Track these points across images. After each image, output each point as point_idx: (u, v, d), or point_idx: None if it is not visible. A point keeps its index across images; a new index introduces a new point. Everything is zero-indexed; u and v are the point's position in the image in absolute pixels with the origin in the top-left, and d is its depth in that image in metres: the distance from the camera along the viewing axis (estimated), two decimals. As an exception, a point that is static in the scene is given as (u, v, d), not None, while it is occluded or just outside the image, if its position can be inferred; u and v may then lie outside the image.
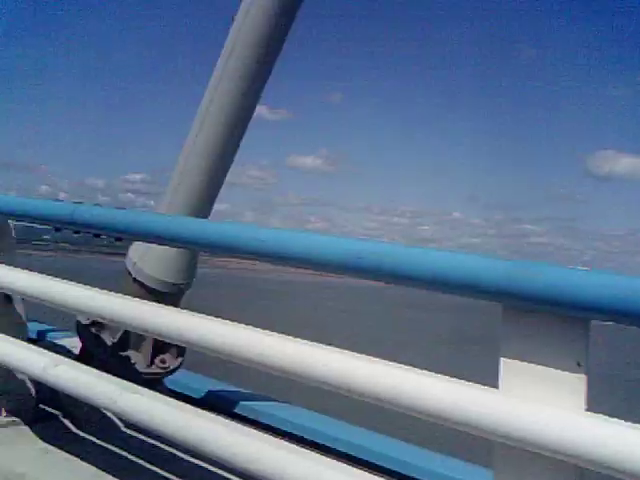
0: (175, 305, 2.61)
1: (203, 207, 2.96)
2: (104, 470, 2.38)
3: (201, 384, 3.43)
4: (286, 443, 1.67)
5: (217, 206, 3.17)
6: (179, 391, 3.11)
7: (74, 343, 3.20)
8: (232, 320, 1.88)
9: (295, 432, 2.54)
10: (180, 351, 2.97)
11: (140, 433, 2.67)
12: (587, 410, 1.25)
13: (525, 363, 1.32)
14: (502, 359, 1.35)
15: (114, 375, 2.17)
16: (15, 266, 2.66)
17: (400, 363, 1.49)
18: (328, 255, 1.60)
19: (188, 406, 1.90)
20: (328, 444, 2.44)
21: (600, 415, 1.21)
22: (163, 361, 2.94)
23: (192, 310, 2.06)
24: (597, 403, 1.28)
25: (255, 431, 1.73)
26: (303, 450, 1.64)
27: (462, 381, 1.37)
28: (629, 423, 1.17)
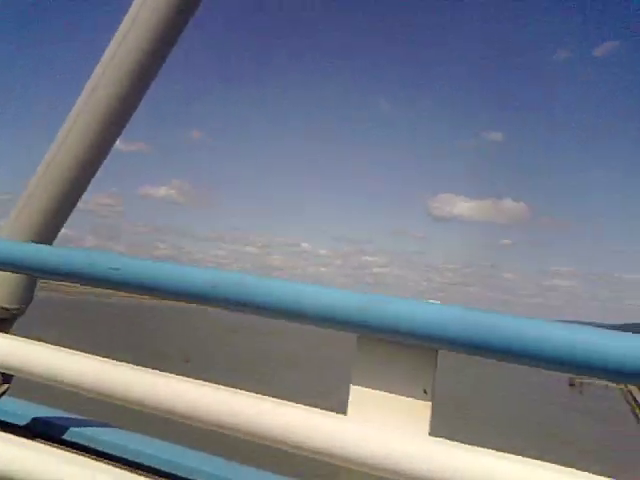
0: (5, 331, 2.34)
1: (49, 233, 2.74)
2: None
3: (26, 410, 3.02)
4: (119, 470, 1.54)
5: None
6: (2, 419, 2.74)
7: None
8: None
9: (127, 457, 2.32)
10: (6, 378, 2.65)
11: None
12: (430, 434, 1.27)
13: (374, 390, 1.33)
14: (352, 386, 1.36)
15: None
16: None
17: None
18: (181, 284, 1.53)
19: (11, 436, 1.67)
20: (165, 469, 2.25)
21: (441, 439, 1.22)
22: None
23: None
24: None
25: (86, 458, 1.58)
26: (135, 475, 1.51)
27: (307, 407, 1.35)
28: (467, 445, 1.19)
